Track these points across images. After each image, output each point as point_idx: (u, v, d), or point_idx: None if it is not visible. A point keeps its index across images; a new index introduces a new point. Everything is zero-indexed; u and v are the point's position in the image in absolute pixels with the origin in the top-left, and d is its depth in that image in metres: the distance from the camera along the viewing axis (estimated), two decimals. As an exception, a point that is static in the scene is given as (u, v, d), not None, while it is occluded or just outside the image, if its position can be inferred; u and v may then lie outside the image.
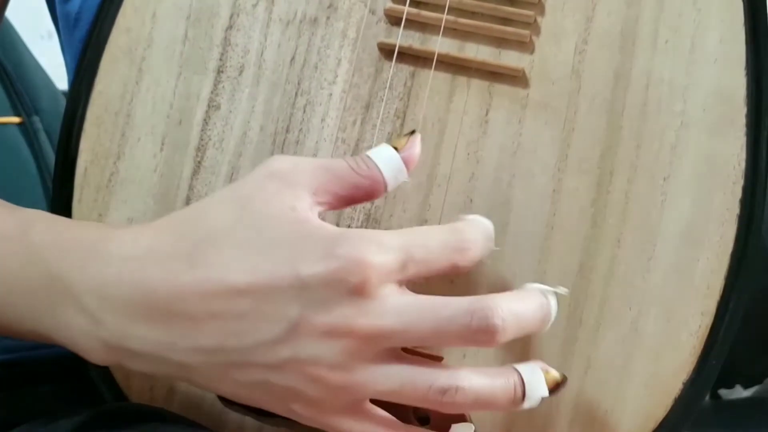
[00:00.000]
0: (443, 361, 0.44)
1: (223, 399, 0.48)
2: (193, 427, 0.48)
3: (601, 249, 0.46)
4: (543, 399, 0.41)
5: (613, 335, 0.45)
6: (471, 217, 0.42)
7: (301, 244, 0.39)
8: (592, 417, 0.46)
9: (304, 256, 0.39)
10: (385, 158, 0.42)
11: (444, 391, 0.39)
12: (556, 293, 0.41)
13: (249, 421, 0.48)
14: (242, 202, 0.41)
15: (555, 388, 0.41)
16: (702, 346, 0.45)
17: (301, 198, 0.40)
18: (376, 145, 0.44)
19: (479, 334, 0.39)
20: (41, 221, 0.45)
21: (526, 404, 0.41)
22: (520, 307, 0.40)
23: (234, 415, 0.48)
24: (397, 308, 0.39)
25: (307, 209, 0.40)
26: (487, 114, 0.46)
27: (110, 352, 0.42)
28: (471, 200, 0.46)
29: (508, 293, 0.41)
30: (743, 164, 0.45)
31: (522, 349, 0.46)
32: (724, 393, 0.63)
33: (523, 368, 0.41)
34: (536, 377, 0.41)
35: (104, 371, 0.49)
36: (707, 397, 0.61)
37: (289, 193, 0.40)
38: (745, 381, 0.62)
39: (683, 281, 0.45)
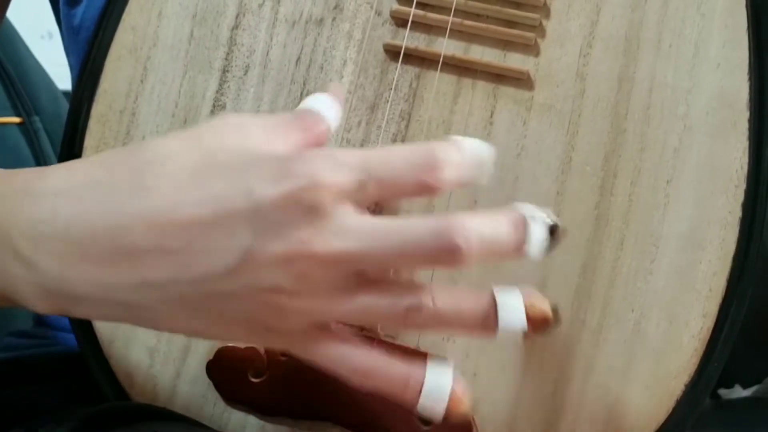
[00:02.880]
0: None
1: (225, 398, 0.48)
2: (195, 426, 0.48)
3: (604, 251, 0.46)
4: (522, 331, 0.38)
5: (615, 337, 0.46)
6: (458, 137, 0.39)
7: (253, 166, 0.36)
8: (594, 419, 0.46)
9: (256, 178, 0.36)
10: (320, 101, 0.40)
11: (408, 310, 0.37)
12: (550, 223, 0.38)
13: (251, 420, 0.48)
14: (191, 133, 0.38)
15: (539, 322, 0.38)
16: (704, 348, 0.45)
17: (255, 135, 0.38)
18: (381, 145, 0.44)
19: (443, 255, 0.36)
20: None
21: (499, 333, 0.38)
22: (489, 227, 0.37)
23: (236, 415, 0.48)
24: (357, 229, 0.36)
25: (262, 144, 0.38)
26: (491, 116, 0.47)
27: (52, 298, 0.38)
28: (475, 201, 0.46)
29: (480, 212, 0.37)
30: (745, 168, 0.45)
31: (524, 352, 0.46)
32: (724, 393, 0.63)
33: (502, 293, 0.38)
34: (513, 303, 0.38)
35: (106, 371, 0.49)
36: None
37: (243, 131, 0.38)
38: (745, 381, 0.62)
39: (685, 283, 0.45)
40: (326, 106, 0.41)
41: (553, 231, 0.37)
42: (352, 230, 0.36)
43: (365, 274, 0.38)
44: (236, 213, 0.36)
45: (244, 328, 0.38)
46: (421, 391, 0.38)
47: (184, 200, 0.36)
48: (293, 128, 0.39)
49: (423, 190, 0.37)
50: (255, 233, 0.36)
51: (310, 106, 0.40)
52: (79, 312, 0.39)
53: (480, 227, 0.36)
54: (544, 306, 0.38)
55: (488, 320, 0.38)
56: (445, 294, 0.37)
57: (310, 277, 0.36)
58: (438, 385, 0.38)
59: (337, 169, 0.36)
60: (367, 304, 0.37)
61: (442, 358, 0.39)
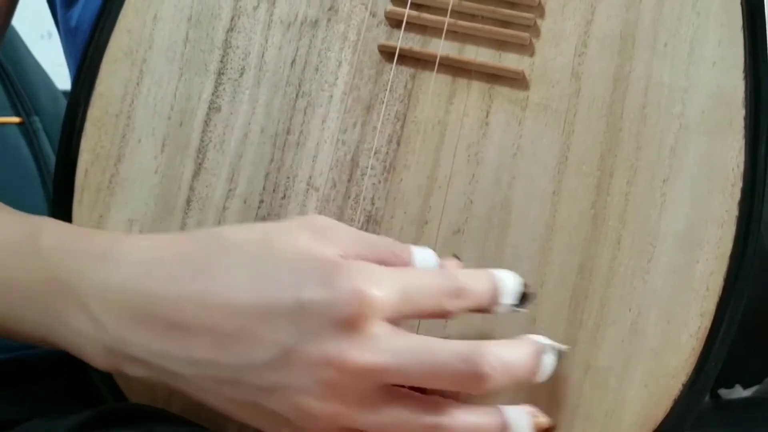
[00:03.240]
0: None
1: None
2: (193, 427, 0.48)
3: (601, 250, 0.46)
4: None
5: (612, 336, 0.46)
6: (494, 270, 0.42)
7: (305, 269, 0.39)
8: (592, 418, 0.46)
9: (305, 281, 0.39)
10: (422, 258, 0.42)
11: (433, 429, 0.40)
12: (558, 350, 0.42)
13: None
14: (265, 231, 0.41)
15: None
16: (701, 348, 0.45)
17: (326, 249, 0.40)
18: (376, 146, 0.44)
19: (469, 381, 0.39)
20: (50, 227, 0.45)
21: None
22: (511, 357, 0.40)
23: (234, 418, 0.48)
24: (390, 347, 0.39)
25: (325, 249, 0.40)
26: (487, 116, 0.47)
27: (111, 357, 0.42)
28: (471, 202, 0.46)
29: (504, 342, 0.41)
30: (742, 166, 0.45)
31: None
32: (724, 393, 0.63)
33: (512, 411, 0.41)
34: (522, 422, 0.41)
35: (104, 373, 0.49)
36: (707, 397, 0.61)
37: (316, 243, 0.40)
38: (745, 381, 0.62)
39: (683, 283, 0.45)
40: (424, 259, 0.43)
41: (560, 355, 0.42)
42: (387, 347, 0.39)
43: (393, 387, 0.40)
44: (283, 310, 0.39)
45: (272, 422, 0.41)
46: None
47: (239, 289, 0.39)
48: (377, 246, 0.42)
49: (444, 314, 0.41)
50: (298, 335, 0.39)
51: (417, 255, 0.43)
52: (134, 372, 0.42)
53: (505, 356, 0.40)
54: (545, 421, 0.42)
55: None
56: (463, 413, 0.40)
57: (340, 385, 0.39)
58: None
59: (381, 287, 0.39)
60: (392, 418, 0.40)
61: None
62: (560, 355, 0.42)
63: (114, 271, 0.42)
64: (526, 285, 0.43)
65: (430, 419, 0.40)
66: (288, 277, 0.39)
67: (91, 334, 0.42)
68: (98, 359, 0.43)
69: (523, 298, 0.42)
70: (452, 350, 0.39)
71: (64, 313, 0.42)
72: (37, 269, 0.43)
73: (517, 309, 0.42)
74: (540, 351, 0.41)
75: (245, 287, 0.39)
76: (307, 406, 0.39)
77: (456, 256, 0.45)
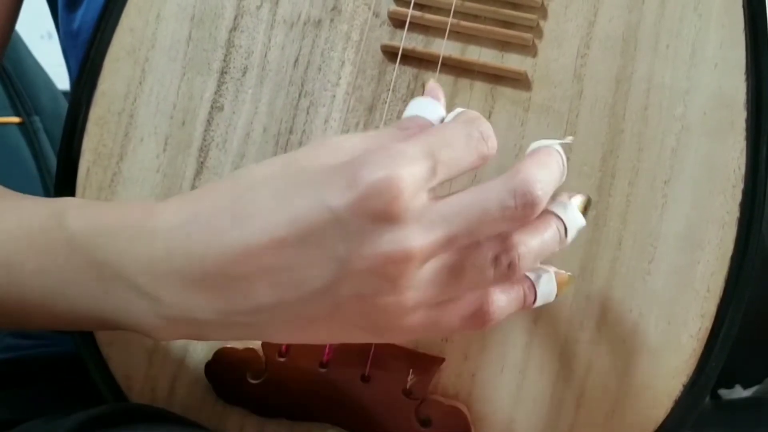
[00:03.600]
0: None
1: (224, 399, 0.48)
2: (194, 427, 0.48)
3: (602, 251, 0.46)
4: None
5: (613, 337, 0.46)
6: (460, 109, 0.41)
7: (325, 178, 0.38)
8: (594, 418, 0.46)
9: (329, 188, 0.37)
10: (420, 107, 0.41)
11: (509, 265, 0.39)
12: (564, 144, 0.41)
13: (249, 422, 0.48)
14: (283, 160, 0.40)
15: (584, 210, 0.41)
16: (702, 348, 0.46)
17: (346, 148, 0.39)
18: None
19: (526, 210, 0.38)
20: (73, 207, 0.43)
21: (569, 240, 0.41)
22: (546, 171, 0.39)
23: (235, 416, 0.48)
24: (442, 215, 0.38)
25: (347, 155, 0.39)
26: (489, 116, 0.47)
27: (178, 326, 0.41)
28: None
29: (529, 161, 0.39)
30: (743, 168, 0.46)
31: (523, 353, 0.46)
32: (724, 393, 0.63)
33: (558, 207, 0.41)
34: (572, 212, 0.41)
35: (105, 373, 0.49)
36: (707, 398, 0.61)
37: (330, 153, 0.39)
38: (745, 381, 0.62)
39: (683, 283, 0.46)
40: (428, 109, 0.41)
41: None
42: (438, 218, 0.38)
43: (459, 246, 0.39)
44: (321, 225, 0.37)
45: (363, 329, 0.40)
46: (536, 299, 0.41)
47: (276, 221, 0.38)
48: (396, 137, 0.40)
49: (482, 161, 0.40)
50: (344, 242, 0.37)
51: (413, 113, 0.41)
52: (207, 335, 0.41)
53: (543, 174, 0.39)
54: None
55: (562, 237, 0.41)
56: (526, 237, 0.39)
57: (409, 273, 0.37)
58: (547, 290, 0.42)
59: (408, 163, 0.37)
60: (469, 275, 0.39)
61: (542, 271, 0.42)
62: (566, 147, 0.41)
63: (155, 243, 0.40)
64: None
65: (504, 257, 0.39)
66: (313, 193, 0.37)
67: (148, 310, 0.40)
68: (161, 332, 0.41)
69: None
70: (499, 190, 0.38)
71: (112, 293, 0.41)
72: (70, 253, 0.42)
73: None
74: (556, 153, 0.40)
75: (280, 218, 0.38)
76: (390, 303, 0.38)
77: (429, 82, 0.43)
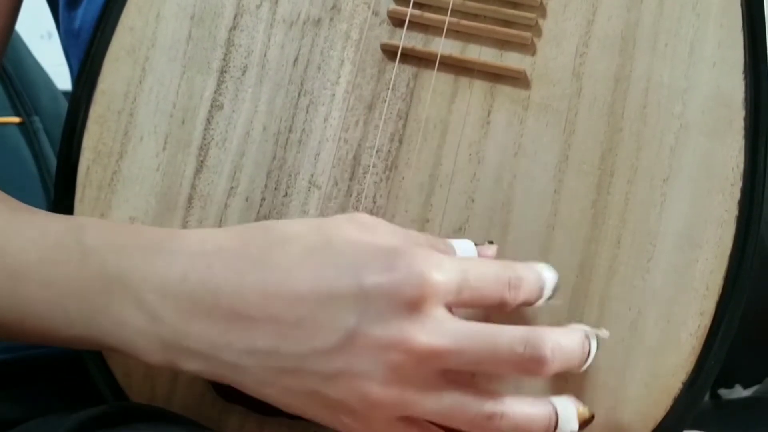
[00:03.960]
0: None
1: (224, 394, 0.48)
2: (194, 427, 0.48)
3: (601, 249, 0.46)
4: None
5: (612, 335, 0.46)
6: (536, 264, 0.43)
7: (365, 256, 0.40)
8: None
9: (367, 267, 0.39)
10: (463, 249, 0.43)
11: (490, 417, 0.40)
12: (597, 336, 0.43)
13: (249, 420, 0.48)
14: (319, 223, 0.42)
15: (584, 424, 0.42)
16: (701, 347, 0.46)
17: (379, 232, 0.41)
18: (378, 144, 0.44)
19: (531, 363, 0.40)
20: (92, 225, 0.45)
21: None
22: (567, 342, 0.41)
23: (234, 415, 0.48)
24: (453, 330, 0.40)
25: (379, 240, 0.41)
26: (488, 115, 0.47)
27: (166, 351, 0.42)
28: (473, 200, 0.46)
29: (557, 328, 0.42)
30: (741, 166, 0.46)
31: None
32: (724, 393, 0.63)
33: (559, 401, 0.42)
34: (569, 411, 0.42)
35: (105, 372, 0.49)
36: (707, 397, 0.61)
37: (366, 235, 0.41)
38: (745, 380, 0.62)
39: (682, 282, 0.46)
40: (465, 250, 0.44)
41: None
42: (450, 329, 0.39)
43: (452, 374, 0.41)
44: (345, 295, 0.39)
45: (332, 411, 0.41)
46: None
47: (300, 277, 0.40)
48: (432, 245, 0.42)
49: (502, 305, 0.41)
50: (360, 317, 0.39)
51: (451, 242, 0.44)
52: (188, 366, 0.42)
53: (562, 341, 0.41)
54: (586, 411, 0.43)
55: (550, 428, 0.41)
56: (518, 402, 0.41)
57: (403, 368, 0.39)
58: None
59: (442, 271, 0.39)
60: (454, 403, 0.40)
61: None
62: (599, 342, 0.43)
63: (173, 264, 0.41)
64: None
65: (489, 406, 0.40)
66: (349, 264, 0.40)
67: (145, 328, 0.41)
68: (152, 354, 0.42)
69: (555, 289, 0.43)
70: (513, 334, 0.40)
71: (115, 309, 0.42)
72: (82, 266, 0.43)
73: (552, 302, 0.43)
74: (588, 337, 0.42)
75: (306, 275, 0.40)
76: (371, 391, 0.39)
77: (491, 242, 0.45)
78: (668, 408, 0.46)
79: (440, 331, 0.39)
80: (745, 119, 0.46)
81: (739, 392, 0.62)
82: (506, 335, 0.40)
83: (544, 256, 0.46)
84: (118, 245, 0.43)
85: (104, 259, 0.42)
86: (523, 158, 0.46)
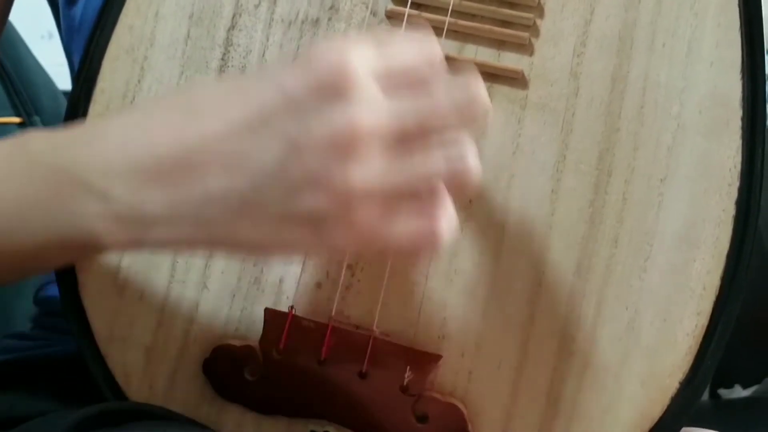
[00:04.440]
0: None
1: (222, 396, 0.48)
2: (192, 425, 0.48)
3: (599, 249, 0.46)
4: None
5: (609, 335, 0.46)
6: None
7: (283, 69, 0.39)
8: (589, 416, 0.46)
9: (284, 75, 0.39)
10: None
11: (461, 158, 0.39)
12: None
13: (248, 418, 0.48)
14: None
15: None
16: (698, 346, 0.46)
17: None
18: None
19: (470, 107, 0.39)
20: (35, 134, 0.44)
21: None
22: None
23: (232, 413, 0.49)
24: (389, 95, 0.38)
25: None
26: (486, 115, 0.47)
27: (126, 227, 0.40)
28: (470, 200, 0.47)
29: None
30: (739, 166, 0.46)
31: (519, 350, 0.46)
32: (724, 392, 0.63)
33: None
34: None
35: (103, 370, 0.49)
36: (706, 397, 0.61)
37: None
38: (745, 381, 0.62)
39: (679, 281, 0.46)
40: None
41: None
42: (388, 103, 0.38)
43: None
44: (273, 107, 0.38)
45: (312, 230, 0.39)
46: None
47: (229, 109, 0.39)
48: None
49: (423, 84, 0.39)
50: (295, 121, 0.38)
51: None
52: (154, 236, 0.40)
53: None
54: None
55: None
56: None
57: (358, 152, 0.37)
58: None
59: (356, 48, 0.38)
60: (419, 164, 0.39)
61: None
62: None
63: (108, 141, 0.41)
64: None
65: (455, 150, 0.39)
66: (268, 79, 0.39)
67: (98, 210, 0.40)
68: (114, 235, 0.41)
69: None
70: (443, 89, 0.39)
71: (68, 202, 0.41)
72: (30, 171, 0.42)
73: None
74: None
75: (233, 105, 0.39)
76: (337, 185, 0.38)
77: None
78: (665, 407, 0.46)
79: (377, 104, 0.38)
80: (743, 119, 0.46)
81: (739, 392, 0.62)
82: (440, 89, 0.39)
83: (541, 256, 0.46)
84: (58, 143, 0.42)
85: (49, 159, 0.42)
86: (521, 158, 0.47)
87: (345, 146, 0.37)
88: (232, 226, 0.39)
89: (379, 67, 0.38)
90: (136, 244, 0.41)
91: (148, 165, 0.40)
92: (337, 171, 0.37)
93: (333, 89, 0.37)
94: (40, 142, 0.43)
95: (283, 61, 0.41)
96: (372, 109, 0.38)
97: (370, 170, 0.38)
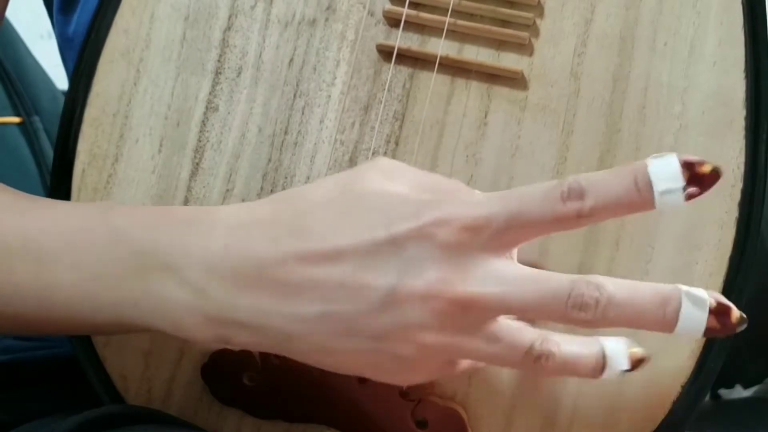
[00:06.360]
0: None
1: (221, 401, 0.48)
2: (190, 429, 0.48)
3: (600, 251, 0.46)
4: (622, 372, 0.41)
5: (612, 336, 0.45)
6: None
7: (394, 208, 0.39)
8: (592, 419, 0.46)
9: (396, 217, 0.39)
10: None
11: (538, 357, 0.39)
12: (689, 293, 0.39)
13: (246, 423, 0.48)
14: (342, 181, 0.41)
15: (636, 364, 0.41)
16: (701, 349, 0.45)
17: (398, 184, 0.41)
18: (374, 146, 0.44)
19: (575, 310, 0.39)
20: (118, 206, 0.44)
21: (606, 375, 0.41)
22: (629, 294, 0.39)
23: (231, 418, 0.48)
24: (498, 275, 0.39)
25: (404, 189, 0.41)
26: (486, 116, 0.46)
27: (213, 325, 0.41)
28: (469, 202, 0.46)
29: (625, 281, 0.40)
30: (742, 167, 0.45)
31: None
32: (725, 393, 0.63)
33: (608, 341, 0.41)
34: (619, 351, 0.40)
35: (101, 374, 0.49)
36: (707, 397, 0.61)
37: (389, 183, 0.41)
38: (746, 381, 0.62)
39: (682, 284, 0.45)
40: None
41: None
42: (494, 275, 0.39)
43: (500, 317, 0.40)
44: (380, 249, 0.39)
45: (390, 366, 0.41)
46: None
47: (334, 238, 0.39)
48: (441, 184, 0.41)
49: (561, 225, 0.40)
50: (399, 271, 0.39)
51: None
52: (239, 338, 0.41)
53: (618, 292, 0.39)
54: (639, 351, 0.41)
55: (597, 368, 0.40)
56: (566, 342, 0.40)
57: (449, 314, 0.39)
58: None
59: (472, 205, 0.39)
60: (503, 344, 0.39)
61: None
62: (704, 306, 0.39)
63: (212, 237, 0.41)
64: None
65: (537, 346, 0.39)
66: (377, 217, 0.39)
67: (191, 304, 0.41)
68: (199, 329, 0.41)
69: None
70: (563, 278, 0.39)
71: (155, 288, 0.41)
72: (112, 247, 0.42)
73: None
74: (668, 298, 0.39)
75: (340, 235, 0.39)
76: (424, 339, 0.39)
77: None
78: (668, 411, 0.46)
79: (481, 277, 0.39)
80: (746, 119, 0.45)
81: (740, 392, 0.62)
82: (554, 280, 0.39)
83: (542, 259, 0.46)
84: (150, 224, 0.42)
85: (135, 237, 0.42)
86: (521, 159, 0.46)
87: (437, 308, 0.39)
88: (317, 350, 0.41)
89: (489, 214, 0.39)
90: (221, 339, 0.42)
91: (247, 273, 0.40)
92: (426, 328, 0.39)
93: (440, 248, 0.38)
94: (125, 217, 0.43)
95: (399, 194, 0.40)
96: (474, 279, 0.39)
97: (455, 335, 0.39)
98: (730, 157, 0.45)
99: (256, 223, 0.41)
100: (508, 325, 0.40)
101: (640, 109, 0.46)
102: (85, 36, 0.49)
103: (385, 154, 0.47)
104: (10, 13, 0.60)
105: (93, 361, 0.49)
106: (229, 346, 0.43)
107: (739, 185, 0.45)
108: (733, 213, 0.45)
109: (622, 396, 0.46)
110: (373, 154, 0.47)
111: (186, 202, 0.48)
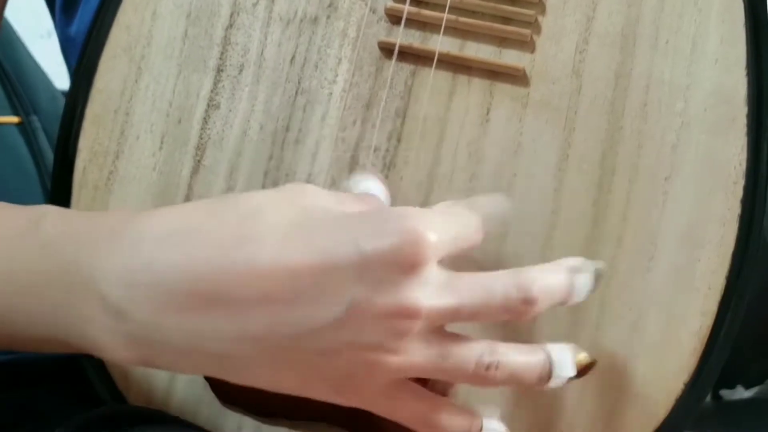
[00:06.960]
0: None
1: (221, 399, 0.48)
2: (191, 429, 0.48)
3: (602, 249, 0.45)
4: (570, 379, 0.41)
5: (613, 335, 0.45)
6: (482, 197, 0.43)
7: (356, 223, 0.37)
8: (593, 417, 0.46)
9: (362, 233, 0.37)
10: (371, 183, 0.44)
11: (488, 366, 0.39)
12: (596, 269, 0.41)
13: (247, 422, 0.48)
14: (276, 191, 0.39)
15: (583, 370, 0.41)
16: (703, 347, 0.45)
17: (332, 199, 0.40)
18: (376, 143, 0.44)
19: (521, 305, 0.39)
20: (53, 213, 0.41)
21: (552, 383, 0.40)
22: (553, 280, 0.40)
23: (232, 417, 0.48)
24: (452, 287, 0.38)
25: (343, 207, 0.40)
26: (487, 113, 0.46)
27: (135, 347, 0.38)
28: (471, 200, 0.46)
29: (541, 266, 0.40)
30: (744, 164, 0.45)
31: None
32: (726, 393, 0.63)
33: (554, 348, 0.41)
34: (564, 357, 0.40)
35: (102, 373, 0.49)
36: (708, 398, 0.61)
37: (319, 195, 0.40)
38: (747, 381, 0.62)
39: (684, 281, 0.45)
40: (378, 189, 0.44)
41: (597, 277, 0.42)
42: (449, 288, 0.38)
43: (447, 332, 0.40)
44: (344, 264, 0.36)
45: (331, 386, 0.39)
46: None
47: (290, 249, 0.36)
48: (359, 202, 0.41)
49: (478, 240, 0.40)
50: (363, 286, 0.36)
51: (365, 189, 0.43)
52: (164, 362, 0.38)
53: (547, 279, 0.40)
54: (585, 357, 0.41)
55: (544, 375, 0.40)
56: (513, 352, 0.40)
57: (409, 333, 0.38)
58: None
59: (434, 228, 0.38)
60: (454, 359, 0.39)
61: (493, 410, 0.42)
62: (598, 274, 0.41)
63: (137, 251, 0.37)
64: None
65: (486, 357, 0.39)
66: (342, 232, 0.37)
67: (109, 325, 0.37)
68: (120, 352, 0.38)
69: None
70: (504, 280, 0.39)
71: (75, 304, 0.38)
72: (40, 259, 0.39)
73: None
74: (574, 270, 0.41)
75: (298, 247, 0.36)
76: (378, 360, 0.37)
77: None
78: (670, 409, 0.45)
79: (440, 291, 0.38)
80: (748, 116, 0.45)
81: (741, 393, 0.62)
82: (499, 282, 0.39)
83: (544, 256, 0.45)
84: (77, 236, 0.39)
85: (63, 249, 0.39)
86: (523, 157, 0.46)
87: (401, 325, 0.37)
88: (252, 369, 0.38)
89: (450, 245, 0.39)
90: (144, 362, 0.39)
91: (177, 291, 0.37)
92: (383, 349, 0.37)
93: (404, 268, 0.37)
94: (56, 226, 0.40)
95: (356, 213, 0.39)
96: (436, 293, 0.38)
97: (409, 354, 0.38)
98: (732, 154, 0.45)
99: (190, 231, 0.37)
100: (453, 336, 0.40)
101: (641, 107, 0.46)
102: (87, 32, 0.49)
103: (387, 151, 0.47)
104: (10, 13, 0.60)
105: (94, 361, 0.49)
106: (155, 368, 0.40)
107: (741, 182, 0.45)
108: (736, 210, 0.45)
109: (623, 393, 0.46)
110: (374, 151, 0.47)
111: (187, 199, 0.48)
